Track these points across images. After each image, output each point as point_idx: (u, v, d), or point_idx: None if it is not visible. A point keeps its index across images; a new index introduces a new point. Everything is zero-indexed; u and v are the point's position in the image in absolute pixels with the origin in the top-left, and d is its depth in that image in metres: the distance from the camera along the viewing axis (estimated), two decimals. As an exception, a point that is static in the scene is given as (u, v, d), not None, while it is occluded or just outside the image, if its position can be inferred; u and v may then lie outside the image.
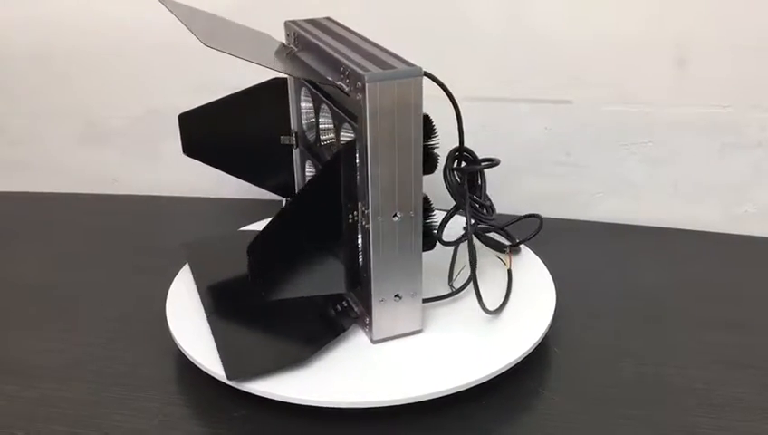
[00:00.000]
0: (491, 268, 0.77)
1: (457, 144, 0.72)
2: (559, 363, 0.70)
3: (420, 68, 0.62)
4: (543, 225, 0.78)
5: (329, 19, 0.79)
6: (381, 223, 0.64)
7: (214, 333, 0.69)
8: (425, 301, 0.70)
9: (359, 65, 0.62)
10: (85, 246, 0.92)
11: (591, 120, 0.93)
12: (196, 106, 0.80)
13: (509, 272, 0.75)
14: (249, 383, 0.63)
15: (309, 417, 0.62)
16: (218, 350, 0.66)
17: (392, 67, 0.62)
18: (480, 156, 0.74)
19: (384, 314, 0.67)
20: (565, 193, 0.97)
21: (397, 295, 0.67)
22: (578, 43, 0.90)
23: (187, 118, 0.80)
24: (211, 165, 0.83)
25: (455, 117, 0.70)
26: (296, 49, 0.76)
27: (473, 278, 0.70)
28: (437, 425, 0.63)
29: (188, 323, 0.71)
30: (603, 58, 0.90)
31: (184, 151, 0.81)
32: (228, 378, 0.63)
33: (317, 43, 0.71)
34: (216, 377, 0.65)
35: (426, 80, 0.63)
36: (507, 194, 0.97)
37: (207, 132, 0.81)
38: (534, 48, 0.91)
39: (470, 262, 0.70)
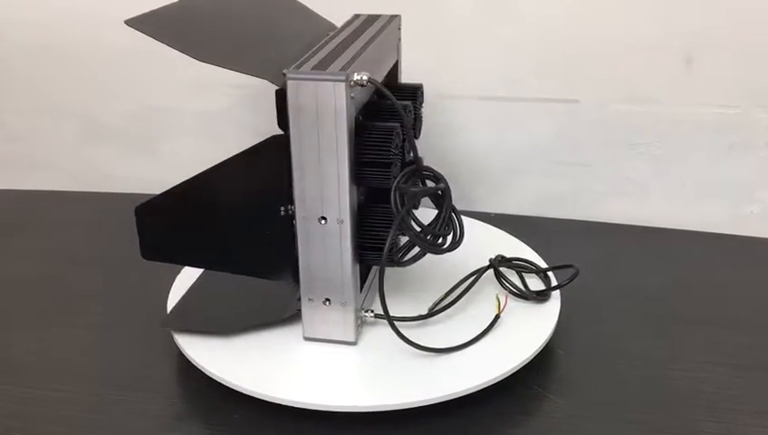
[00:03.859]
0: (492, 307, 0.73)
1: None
2: (563, 366, 0.69)
3: (348, 74, 0.59)
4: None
5: (392, 17, 0.77)
6: (307, 224, 0.63)
7: (189, 289, 0.74)
8: (398, 320, 0.67)
9: (301, 64, 0.61)
10: (84, 245, 0.91)
11: (598, 120, 0.93)
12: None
13: (495, 317, 0.71)
14: (246, 384, 0.63)
15: (308, 419, 0.62)
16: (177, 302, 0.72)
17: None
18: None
19: (313, 314, 0.67)
20: (571, 193, 0.96)
21: (327, 300, 0.66)
22: (585, 41, 0.89)
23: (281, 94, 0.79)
24: None
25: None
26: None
27: (384, 311, 0.65)
28: (444, 427, 0.63)
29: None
30: (611, 57, 0.90)
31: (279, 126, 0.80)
32: (161, 325, 0.70)
33: (332, 37, 0.70)
34: (216, 378, 0.65)
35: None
36: (513, 194, 0.96)
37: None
38: (541, 47, 0.91)
39: (380, 292, 0.65)
